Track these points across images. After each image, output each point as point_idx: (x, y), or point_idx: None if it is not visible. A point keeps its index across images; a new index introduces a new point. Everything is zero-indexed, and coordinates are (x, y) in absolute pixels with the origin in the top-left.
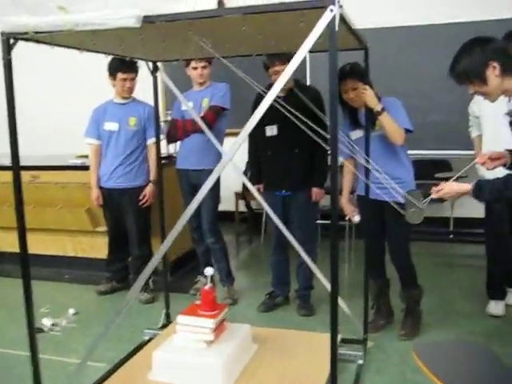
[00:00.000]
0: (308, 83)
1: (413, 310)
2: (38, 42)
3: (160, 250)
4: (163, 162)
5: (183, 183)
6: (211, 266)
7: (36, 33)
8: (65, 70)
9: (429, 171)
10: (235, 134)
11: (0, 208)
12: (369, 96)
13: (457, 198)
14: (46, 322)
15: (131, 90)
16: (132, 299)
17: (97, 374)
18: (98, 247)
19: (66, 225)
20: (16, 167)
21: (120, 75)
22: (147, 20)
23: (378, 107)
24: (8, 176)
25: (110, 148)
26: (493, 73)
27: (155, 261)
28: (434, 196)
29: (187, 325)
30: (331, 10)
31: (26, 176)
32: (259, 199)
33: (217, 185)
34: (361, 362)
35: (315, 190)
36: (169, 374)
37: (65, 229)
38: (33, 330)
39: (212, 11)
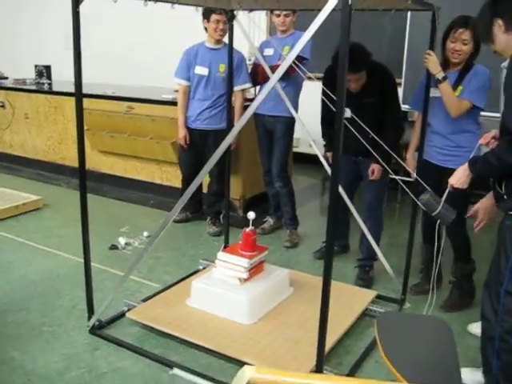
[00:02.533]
0: (406, 42)
1: (460, 284)
2: None
3: (189, 189)
4: (246, 104)
5: (259, 128)
6: (280, 208)
7: None
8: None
9: None
10: (318, 79)
11: (99, 134)
12: (431, 62)
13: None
14: (121, 241)
15: (224, 32)
16: (170, 220)
17: (149, 292)
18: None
19: (154, 154)
20: (79, 95)
21: (214, 17)
22: None
23: (439, 75)
24: (107, 105)
25: (199, 91)
26: (499, 30)
27: (188, 192)
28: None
29: (225, 261)
30: None
31: (122, 106)
32: (326, 167)
33: (289, 132)
34: None
35: (375, 166)
36: (203, 303)
37: (153, 158)
38: (87, 238)
39: None
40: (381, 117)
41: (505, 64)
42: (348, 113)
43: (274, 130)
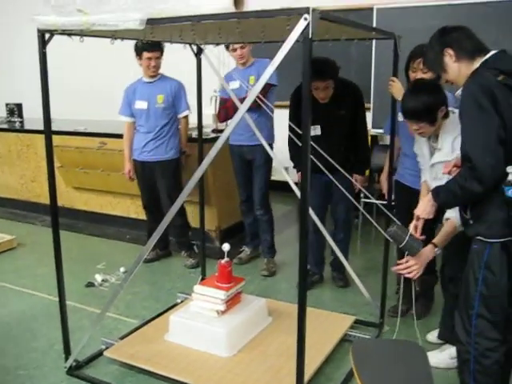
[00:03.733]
0: (373, 70)
1: (425, 293)
2: (69, 35)
3: (162, 223)
4: (217, 135)
5: (235, 158)
6: (257, 236)
7: (63, 30)
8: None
9: None
10: (285, 107)
11: (73, 170)
12: (395, 88)
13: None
14: (98, 278)
15: (156, 68)
16: (143, 257)
17: (127, 329)
18: None
19: (128, 189)
20: (48, 132)
21: (145, 54)
22: (150, 22)
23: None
24: (80, 141)
25: (142, 124)
26: (450, 59)
27: (160, 228)
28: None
29: (202, 294)
30: (305, 19)
31: (95, 142)
32: (297, 192)
33: (269, 159)
34: None
35: (358, 177)
36: (182, 337)
37: (128, 193)
38: (61, 276)
39: (210, 16)
40: (353, 130)
41: (459, 92)
42: (318, 130)
43: (254, 159)
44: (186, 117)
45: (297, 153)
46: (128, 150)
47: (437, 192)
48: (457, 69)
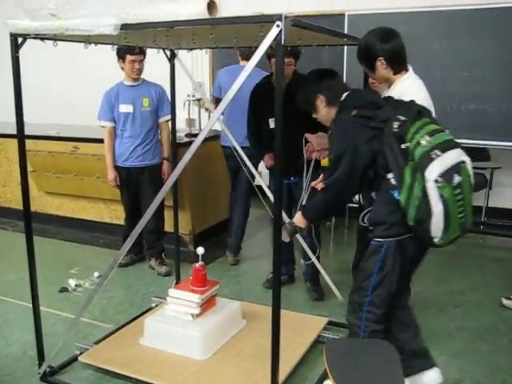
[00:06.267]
0: (345, 75)
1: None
2: (42, 39)
3: (138, 226)
4: (191, 139)
5: (229, 160)
6: None
7: (36, 35)
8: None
9: None
10: None
11: (45, 175)
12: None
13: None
14: (72, 283)
15: (140, 71)
16: (118, 261)
17: (101, 334)
18: None
19: (101, 194)
20: (21, 136)
21: (129, 57)
22: (125, 28)
23: None
24: (52, 145)
25: (127, 129)
26: (321, 104)
27: (134, 234)
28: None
29: (177, 298)
30: (277, 26)
31: (68, 146)
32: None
33: None
34: None
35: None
36: (157, 341)
37: (101, 197)
38: (34, 281)
39: (183, 22)
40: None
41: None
42: (271, 123)
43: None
44: (167, 122)
45: (260, 146)
46: (111, 157)
47: (306, 210)
48: (326, 112)
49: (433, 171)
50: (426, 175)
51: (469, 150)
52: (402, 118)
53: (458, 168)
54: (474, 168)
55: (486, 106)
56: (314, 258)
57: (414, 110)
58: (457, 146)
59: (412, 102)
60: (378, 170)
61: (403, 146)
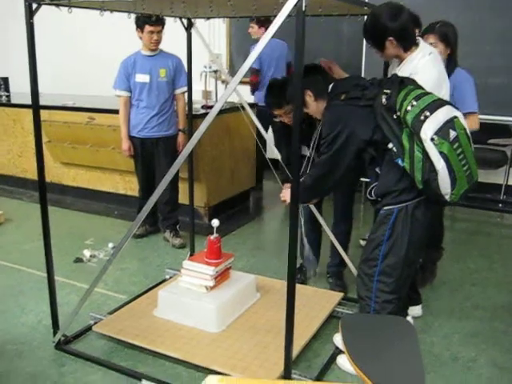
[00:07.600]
0: (364, 46)
1: (425, 265)
2: (57, 5)
3: (152, 197)
4: (204, 112)
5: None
6: None
7: (51, 0)
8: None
9: (483, 137)
10: None
11: (61, 145)
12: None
13: None
14: (86, 254)
15: (158, 42)
16: (132, 232)
17: (115, 304)
18: None
19: (117, 165)
20: (36, 106)
21: (147, 28)
22: None
23: None
24: (68, 116)
25: (143, 99)
26: (310, 99)
27: (149, 204)
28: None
29: (191, 270)
30: None
31: (83, 117)
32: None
33: None
34: None
35: None
36: (170, 313)
37: (116, 168)
38: (49, 252)
39: None
40: None
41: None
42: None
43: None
44: (184, 94)
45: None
46: (125, 127)
47: None
48: (315, 106)
49: (427, 131)
50: (421, 136)
51: (489, 127)
52: (388, 91)
53: (451, 123)
54: (495, 145)
55: (509, 80)
56: (343, 254)
57: (396, 81)
58: (445, 103)
59: (394, 75)
60: (378, 146)
61: (395, 116)
